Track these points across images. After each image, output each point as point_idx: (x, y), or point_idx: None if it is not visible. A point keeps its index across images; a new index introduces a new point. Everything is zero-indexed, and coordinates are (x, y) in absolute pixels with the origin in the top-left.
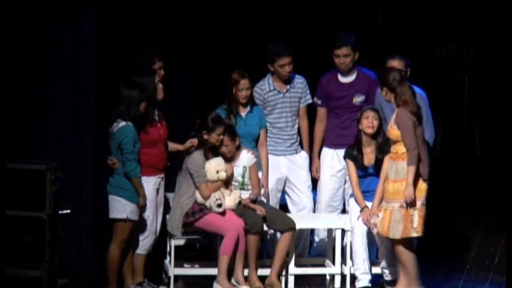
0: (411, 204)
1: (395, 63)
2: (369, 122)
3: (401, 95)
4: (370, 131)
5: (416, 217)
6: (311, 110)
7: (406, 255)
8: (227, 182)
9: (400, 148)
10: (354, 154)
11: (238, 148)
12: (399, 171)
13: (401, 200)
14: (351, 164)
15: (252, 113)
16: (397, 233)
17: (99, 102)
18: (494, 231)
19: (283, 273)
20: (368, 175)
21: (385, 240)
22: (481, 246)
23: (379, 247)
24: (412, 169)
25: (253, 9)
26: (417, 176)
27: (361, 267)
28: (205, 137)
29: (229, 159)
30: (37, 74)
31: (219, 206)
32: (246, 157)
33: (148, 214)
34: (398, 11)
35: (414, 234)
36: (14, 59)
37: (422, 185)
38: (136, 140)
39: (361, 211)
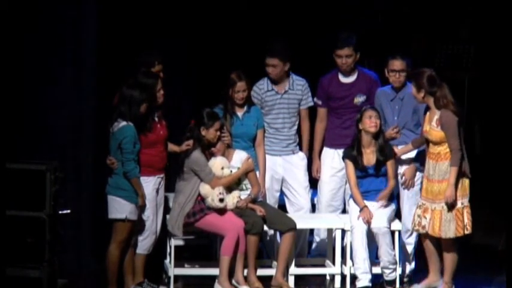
0: (452, 204)
1: (398, 63)
2: (371, 122)
3: (443, 97)
4: (373, 130)
5: (466, 215)
6: (311, 110)
7: (453, 254)
8: (238, 182)
9: (442, 149)
10: (353, 155)
11: (230, 147)
12: (444, 172)
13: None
14: (350, 165)
15: (249, 113)
16: (449, 233)
17: (99, 102)
18: (494, 231)
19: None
20: (368, 175)
21: (386, 239)
22: (481, 246)
23: (379, 247)
24: (455, 170)
25: (253, 9)
26: (462, 175)
27: (361, 267)
28: (203, 133)
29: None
30: (37, 74)
31: (221, 200)
32: (239, 158)
33: (148, 214)
34: (399, 11)
35: (467, 232)
36: (14, 59)
37: (466, 182)
38: (137, 140)
39: (360, 211)
